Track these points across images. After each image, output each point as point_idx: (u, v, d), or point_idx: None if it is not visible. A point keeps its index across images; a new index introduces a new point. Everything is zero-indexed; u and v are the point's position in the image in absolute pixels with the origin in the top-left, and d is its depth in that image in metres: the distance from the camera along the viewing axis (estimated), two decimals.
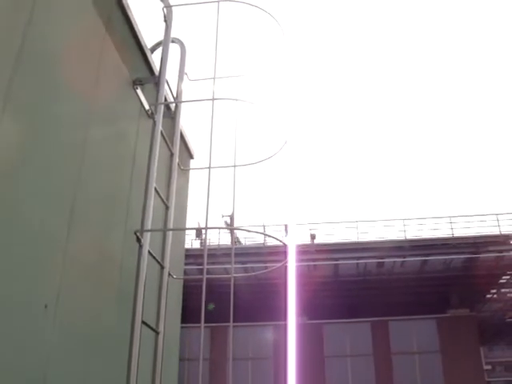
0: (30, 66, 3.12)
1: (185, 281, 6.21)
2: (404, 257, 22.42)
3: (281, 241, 18.87)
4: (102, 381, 3.92)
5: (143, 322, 3.76)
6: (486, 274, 22.21)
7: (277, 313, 21.71)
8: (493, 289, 24.69)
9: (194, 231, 24.11)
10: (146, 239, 3.94)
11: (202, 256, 19.88)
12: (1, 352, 2.74)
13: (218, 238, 23.65)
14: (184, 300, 6.21)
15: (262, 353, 24.14)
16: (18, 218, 2.98)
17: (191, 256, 16.89)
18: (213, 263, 18.61)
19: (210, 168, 4.20)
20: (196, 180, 6.59)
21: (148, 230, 3.93)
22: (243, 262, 21.84)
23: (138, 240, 3.90)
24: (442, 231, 24.00)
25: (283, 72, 5.42)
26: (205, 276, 4.05)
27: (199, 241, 24.80)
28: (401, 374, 22.99)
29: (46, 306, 3.18)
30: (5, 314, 2.80)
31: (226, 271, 20.23)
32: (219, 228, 25.62)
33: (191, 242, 24.21)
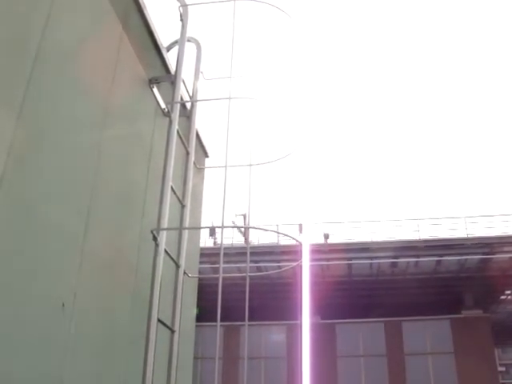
0: (47, 65, 3.13)
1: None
2: (418, 257, 22.29)
3: (296, 240, 18.82)
4: (118, 378, 3.94)
5: (159, 321, 3.77)
6: (501, 275, 22.02)
7: (289, 312, 21.67)
8: (507, 290, 24.49)
9: (207, 230, 24.12)
10: (162, 238, 3.93)
11: (215, 255, 19.97)
12: (19, 350, 2.75)
13: (232, 238, 23.64)
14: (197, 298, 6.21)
15: (275, 352, 24.12)
16: (36, 218, 2.99)
17: (205, 255, 16.91)
18: (226, 262, 18.60)
19: (226, 167, 4.19)
20: (209, 179, 6.61)
21: (164, 229, 3.93)
22: (256, 261, 21.84)
23: (155, 238, 3.90)
24: (456, 231, 23.84)
25: (298, 71, 5.41)
26: (221, 275, 4.05)
27: (213, 240, 24.83)
28: (414, 374, 22.86)
29: (63, 305, 3.19)
30: (23, 312, 2.82)
31: (239, 270, 20.23)
32: (236, 227, 25.61)
33: (204, 241, 24.25)
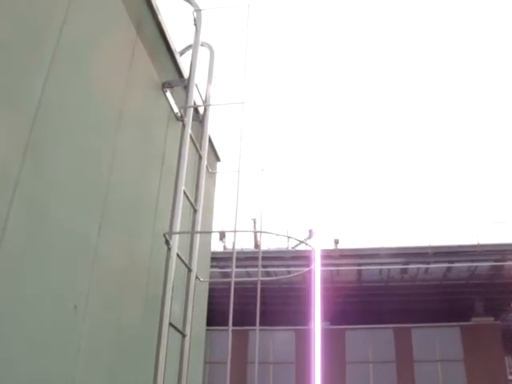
0: (62, 70, 3.15)
1: None
2: (428, 263, 22.17)
3: (309, 245, 18.77)
4: (129, 381, 3.94)
5: (171, 325, 3.77)
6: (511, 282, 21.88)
7: (298, 317, 21.63)
8: None
9: (216, 234, 24.12)
10: (175, 241, 3.94)
11: (224, 259, 19.96)
12: (32, 352, 2.76)
13: (241, 242, 23.65)
14: None
15: (283, 357, 24.05)
16: (50, 221, 3.01)
17: (214, 259, 16.91)
18: (236, 266, 18.54)
19: (239, 171, 4.19)
20: (218, 183, 6.61)
21: (177, 233, 3.94)
22: (265, 266, 21.81)
23: (167, 242, 3.90)
24: (467, 238, 23.71)
25: (310, 75, 5.41)
26: (233, 279, 4.05)
27: (222, 244, 24.84)
28: (423, 381, 22.71)
29: (75, 307, 3.20)
30: (36, 314, 2.83)
31: (249, 274, 20.22)
32: (249, 231, 25.62)
33: (214, 245, 24.25)
